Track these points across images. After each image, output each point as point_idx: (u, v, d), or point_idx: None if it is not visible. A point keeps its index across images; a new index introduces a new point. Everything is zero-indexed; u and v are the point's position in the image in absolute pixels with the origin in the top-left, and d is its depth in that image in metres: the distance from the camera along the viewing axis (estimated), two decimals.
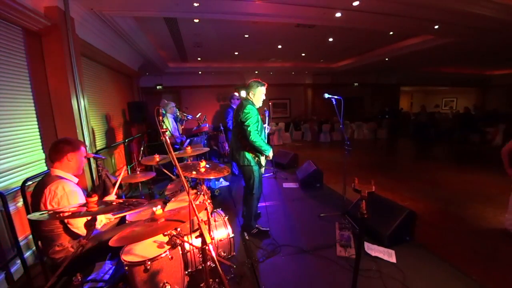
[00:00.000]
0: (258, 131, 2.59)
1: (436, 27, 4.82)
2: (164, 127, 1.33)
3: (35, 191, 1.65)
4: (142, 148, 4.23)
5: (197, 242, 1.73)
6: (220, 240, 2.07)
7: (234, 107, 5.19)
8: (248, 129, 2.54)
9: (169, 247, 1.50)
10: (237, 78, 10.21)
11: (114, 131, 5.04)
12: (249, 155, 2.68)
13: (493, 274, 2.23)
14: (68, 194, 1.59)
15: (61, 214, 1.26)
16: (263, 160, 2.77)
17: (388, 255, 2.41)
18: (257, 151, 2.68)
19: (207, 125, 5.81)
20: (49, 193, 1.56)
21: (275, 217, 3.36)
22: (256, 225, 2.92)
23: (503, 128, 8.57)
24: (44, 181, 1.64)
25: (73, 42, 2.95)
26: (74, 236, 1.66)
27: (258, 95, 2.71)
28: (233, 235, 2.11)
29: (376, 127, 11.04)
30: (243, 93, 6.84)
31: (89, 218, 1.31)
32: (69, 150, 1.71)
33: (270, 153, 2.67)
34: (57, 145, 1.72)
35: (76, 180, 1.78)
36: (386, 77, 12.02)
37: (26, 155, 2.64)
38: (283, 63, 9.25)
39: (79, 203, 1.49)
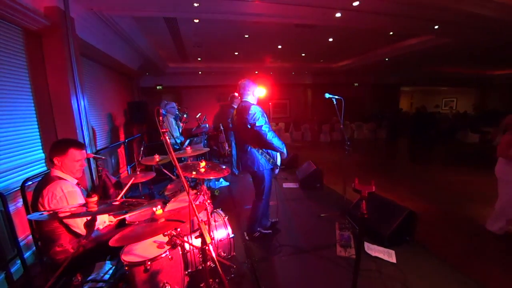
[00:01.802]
0: (271, 129, 2.46)
1: (436, 27, 4.82)
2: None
3: (35, 191, 1.65)
4: (142, 148, 4.23)
5: (197, 242, 1.73)
6: (220, 240, 2.07)
7: (236, 107, 5.19)
8: (262, 129, 2.38)
9: (169, 247, 1.50)
10: (237, 78, 10.17)
11: (114, 131, 5.05)
12: (263, 159, 2.52)
13: (492, 274, 2.23)
14: (67, 195, 1.59)
15: (60, 215, 1.26)
16: (278, 160, 2.63)
17: (388, 255, 2.41)
18: (272, 150, 2.55)
19: (206, 125, 5.82)
20: (47, 194, 1.56)
21: (275, 217, 3.36)
22: (258, 229, 2.84)
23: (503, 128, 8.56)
24: (43, 181, 1.64)
25: (73, 42, 2.95)
26: (74, 236, 1.66)
27: (257, 94, 2.64)
28: (233, 235, 2.11)
29: (376, 127, 11.04)
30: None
31: (89, 218, 1.31)
32: (54, 154, 1.68)
33: (285, 150, 2.55)
34: (50, 148, 1.72)
35: (75, 181, 1.77)
36: (386, 77, 12.02)
37: (26, 155, 2.64)
38: (283, 63, 9.25)
39: (79, 203, 1.49)
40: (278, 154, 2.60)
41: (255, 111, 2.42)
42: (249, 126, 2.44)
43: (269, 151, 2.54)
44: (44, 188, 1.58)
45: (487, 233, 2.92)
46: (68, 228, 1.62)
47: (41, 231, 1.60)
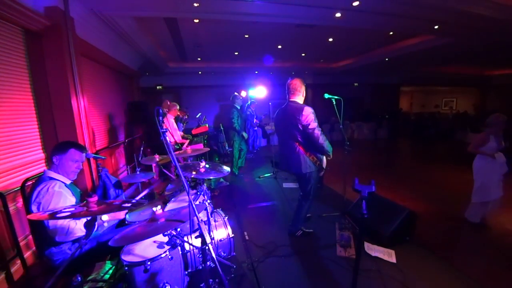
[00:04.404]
0: (323, 133, 2.44)
1: (436, 27, 4.82)
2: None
3: (29, 192, 1.66)
4: (142, 148, 4.23)
5: (197, 242, 1.74)
6: (220, 240, 2.07)
7: (238, 107, 5.20)
8: (315, 132, 2.37)
9: (169, 247, 1.50)
10: (237, 78, 10.21)
11: (114, 131, 5.04)
12: (310, 161, 2.50)
13: (493, 274, 2.23)
14: (53, 195, 1.57)
15: (60, 215, 1.26)
16: (324, 163, 2.62)
17: (388, 255, 2.41)
18: (320, 154, 2.53)
19: (207, 125, 5.83)
20: (35, 194, 1.56)
21: (275, 217, 3.36)
22: (301, 227, 2.84)
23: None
24: (36, 182, 1.65)
25: (73, 42, 2.95)
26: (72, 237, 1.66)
27: (305, 94, 2.60)
28: (233, 235, 2.11)
29: (376, 127, 11.05)
30: (243, 93, 6.83)
31: (89, 218, 1.32)
32: (54, 153, 1.70)
33: (331, 154, 2.53)
34: (52, 148, 1.73)
35: (68, 181, 1.75)
36: (386, 77, 12.02)
37: (26, 155, 2.63)
38: (283, 63, 9.25)
39: (65, 206, 1.47)
40: (324, 157, 2.60)
41: (309, 113, 2.38)
42: (300, 128, 2.41)
43: (317, 153, 2.53)
44: (35, 189, 1.58)
45: (487, 232, 2.92)
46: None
47: (39, 231, 1.60)
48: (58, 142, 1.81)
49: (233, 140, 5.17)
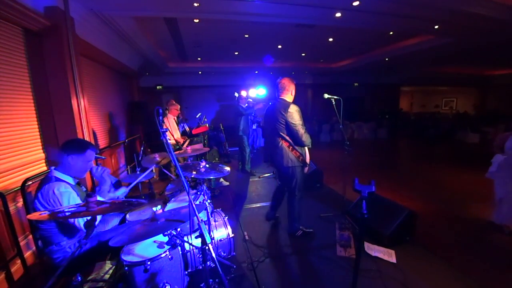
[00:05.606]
0: (306, 131, 2.55)
1: (436, 27, 4.82)
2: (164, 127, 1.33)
3: (35, 190, 1.65)
4: (142, 148, 4.24)
5: (197, 242, 1.74)
6: (220, 240, 2.07)
7: (243, 105, 5.21)
8: (297, 128, 2.49)
9: (169, 247, 1.50)
10: (237, 78, 10.21)
11: (114, 131, 5.05)
12: (293, 156, 2.59)
13: (493, 274, 2.23)
14: (59, 195, 1.55)
15: (59, 215, 1.26)
16: (308, 158, 2.68)
17: (388, 255, 2.41)
18: (300, 146, 2.61)
19: (207, 125, 5.83)
20: (41, 194, 1.55)
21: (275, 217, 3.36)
22: (300, 227, 2.83)
23: (503, 129, 8.57)
24: (42, 181, 1.64)
25: (73, 42, 2.95)
26: (71, 235, 1.66)
27: (294, 93, 2.69)
28: (233, 235, 2.11)
29: (376, 127, 11.05)
30: (243, 93, 6.82)
31: (89, 218, 1.32)
32: (71, 151, 1.66)
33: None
34: (63, 144, 1.71)
35: (74, 182, 1.74)
36: (386, 77, 12.02)
37: (26, 155, 2.63)
38: (283, 63, 9.25)
39: (76, 204, 1.47)
40: (307, 151, 2.67)
41: (294, 111, 2.52)
42: (284, 123, 2.53)
43: (298, 148, 2.61)
44: (41, 188, 1.57)
45: (487, 232, 2.92)
46: (64, 227, 1.61)
47: (39, 230, 1.60)
48: (59, 141, 1.78)
49: (242, 139, 5.19)
